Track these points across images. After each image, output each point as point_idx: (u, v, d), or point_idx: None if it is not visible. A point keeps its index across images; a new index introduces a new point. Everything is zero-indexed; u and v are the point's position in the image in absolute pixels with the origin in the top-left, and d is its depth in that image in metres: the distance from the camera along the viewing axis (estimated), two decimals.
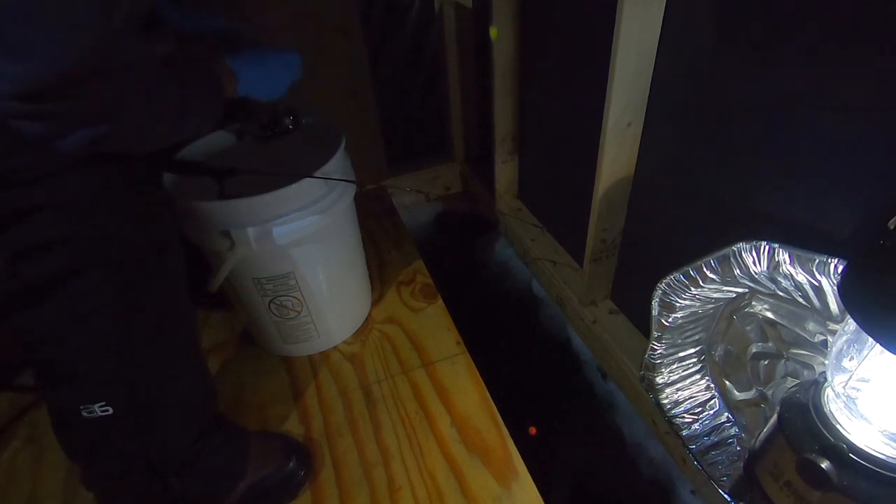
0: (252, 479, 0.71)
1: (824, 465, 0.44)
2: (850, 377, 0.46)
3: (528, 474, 0.75)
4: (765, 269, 0.53)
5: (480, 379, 0.89)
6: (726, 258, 0.56)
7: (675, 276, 0.62)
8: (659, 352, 0.70)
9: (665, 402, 0.71)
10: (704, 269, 0.59)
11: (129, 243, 0.52)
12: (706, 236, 0.70)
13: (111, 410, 0.55)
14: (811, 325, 0.54)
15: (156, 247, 0.56)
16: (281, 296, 0.84)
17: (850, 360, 0.46)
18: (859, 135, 0.48)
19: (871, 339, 0.41)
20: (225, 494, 0.70)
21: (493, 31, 1.03)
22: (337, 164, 0.78)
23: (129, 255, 0.52)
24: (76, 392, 0.54)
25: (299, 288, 0.84)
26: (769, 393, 0.61)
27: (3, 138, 0.42)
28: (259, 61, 0.65)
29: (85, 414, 0.54)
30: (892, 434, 0.43)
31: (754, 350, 0.62)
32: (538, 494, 0.73)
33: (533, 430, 1.06)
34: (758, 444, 0.54)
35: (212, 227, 0.73)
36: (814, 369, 0.55)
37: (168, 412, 0.61)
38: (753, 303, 0.60)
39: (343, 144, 0.81)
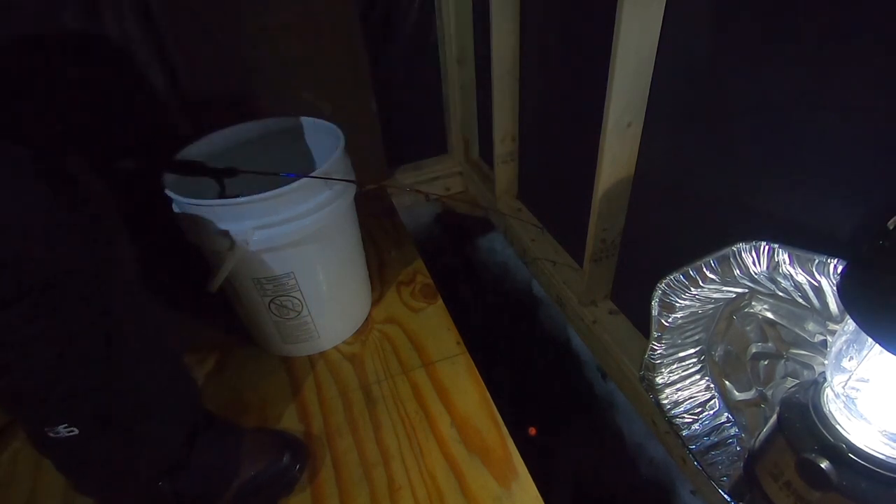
0: (246, 475, 0.71)
1: (824, 465, 0.44)
2: (850, 377, 0.46)
3: (528, 474, 0.75)
4: (764, 269, 0.53)
5: (480, 379, 0.89)
6: (726, 258, 0.56)
7: (675, 277, 0.62)
8: (659, 352, 0.70)
9: (665, 402, 0.71)
10: (704, 270, 0.59)
11: (67, 264, 0.49)
12: (706, 236, 0.70)
13: (77, 430, 0.54)
14: (811, 325, 0.54)
15: (99, 261, 0.52)
16: (281, 296, 0.84)
17: (849, 360, 0.46)
18: (859, 135, 0.48)
19: (870, 340, 0.41)
20: (220, 493, 0.70)
21: None
22: (337, 164, 0.78)
23: (68, 277, 0.49)
24: (35, 416, 0.53)
25: (299, 288, 0.84)
26: (769, 393, 0.61)
27: None
28: None
29: (52, 435, 0.53)
30: (892, 434, 0.43)
31: (754, 350, 0.62)
32: (538, 494, 0.73)
33: (533, 431, 1.06)
34: (758, 444, 0.54)
35: (212, 227, 0.73)
36: (814, 369, 0.55)
37: (144, 423, 0.59)
38: (753, 303, 0.60)
39: (343, 144, 0.81)
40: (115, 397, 0.56)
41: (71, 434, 0.54)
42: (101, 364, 0.54)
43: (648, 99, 0.72)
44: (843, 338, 0.47)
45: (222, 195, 0.75)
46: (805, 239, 0.51)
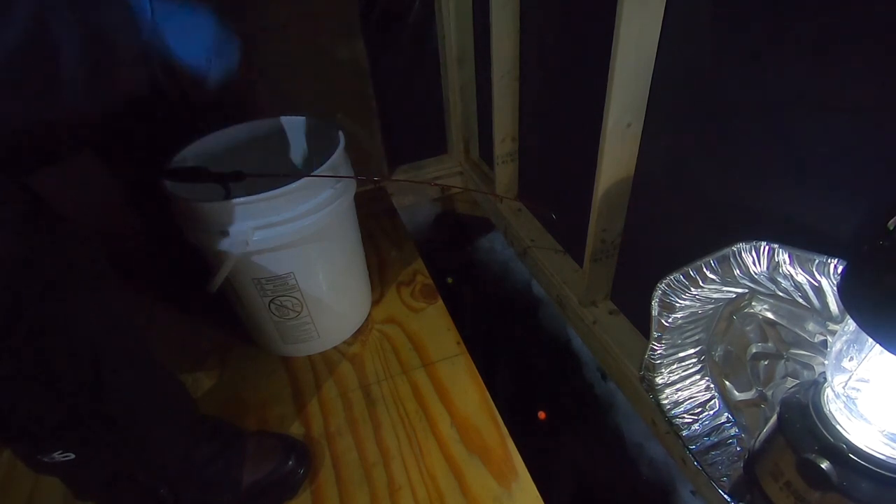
0: (250, 479, 0.71)
1: (824, 465, 0.44)
2: (850, 377, 0.46)
3: (527, 474, 0.75)
4: (765, 269, 0.53)
5: (480, 379, 0.89)
6: (726, 258, 0.56)
7: (675, 277, 0.62)
8: (659, 352, 0.70)
9: (665, 402, 0.71)
10: (704, 270, 0.59)
11: (43, 296, 0.46)
12: (706, 236, 0.70)
13: (73, 455, 0.53)
14: (811, 326, 0.54)
15: (77, 288, 0.49)
16: (281, 296, 0.84)
17: (849, 360, 0.46)
18: (860, 135, 0.48)
19: (870, 340, 0.41)
20: (224, 500, 0.70)
21: None
22: (336, 163, 0.78)
23: (45, 308, 0.46)
24: (28, 447, 0.53)
25: (299, 288, 0.84)
26: (769, 393, 0.61)
27: None
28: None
29: (46, 460, 0.53)
30: (892, 434, 0.43)
31: (754, 350, 0.62)
32: (538, 494, 0.73)
33: (542, 415, 1.05)
34: (758, 444, 0.54)
35: (212, 227, 0.73)
36: (814, 369, 0.55)
37: (140, 439, 0.59)
38: (753, 303, 0.60)
39: (343, 144, 0.81)
40: (108, 421, 0.55)
41: (67, 458, 0.53)
42: (92, 390, 0.52)
43: (648, 99, 0.72)
44: (844, 338, 0.47)
45: (227, 197, 0.75)
46: (805, 239, 0.51)
